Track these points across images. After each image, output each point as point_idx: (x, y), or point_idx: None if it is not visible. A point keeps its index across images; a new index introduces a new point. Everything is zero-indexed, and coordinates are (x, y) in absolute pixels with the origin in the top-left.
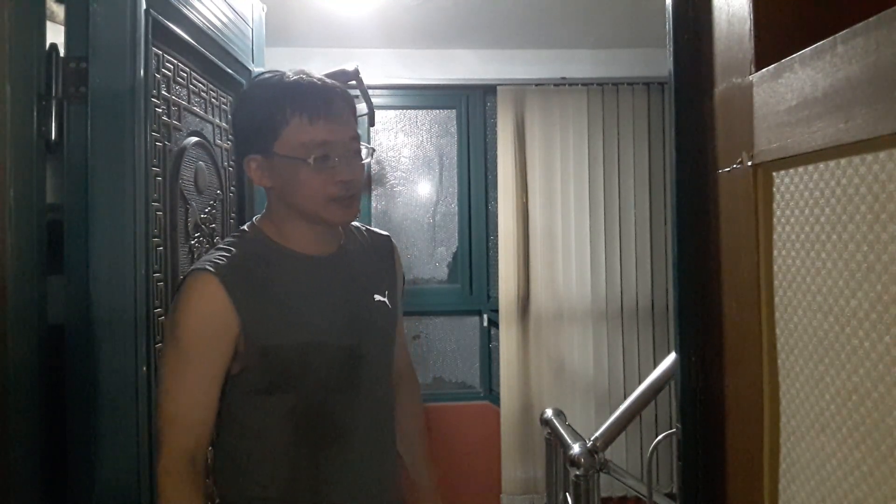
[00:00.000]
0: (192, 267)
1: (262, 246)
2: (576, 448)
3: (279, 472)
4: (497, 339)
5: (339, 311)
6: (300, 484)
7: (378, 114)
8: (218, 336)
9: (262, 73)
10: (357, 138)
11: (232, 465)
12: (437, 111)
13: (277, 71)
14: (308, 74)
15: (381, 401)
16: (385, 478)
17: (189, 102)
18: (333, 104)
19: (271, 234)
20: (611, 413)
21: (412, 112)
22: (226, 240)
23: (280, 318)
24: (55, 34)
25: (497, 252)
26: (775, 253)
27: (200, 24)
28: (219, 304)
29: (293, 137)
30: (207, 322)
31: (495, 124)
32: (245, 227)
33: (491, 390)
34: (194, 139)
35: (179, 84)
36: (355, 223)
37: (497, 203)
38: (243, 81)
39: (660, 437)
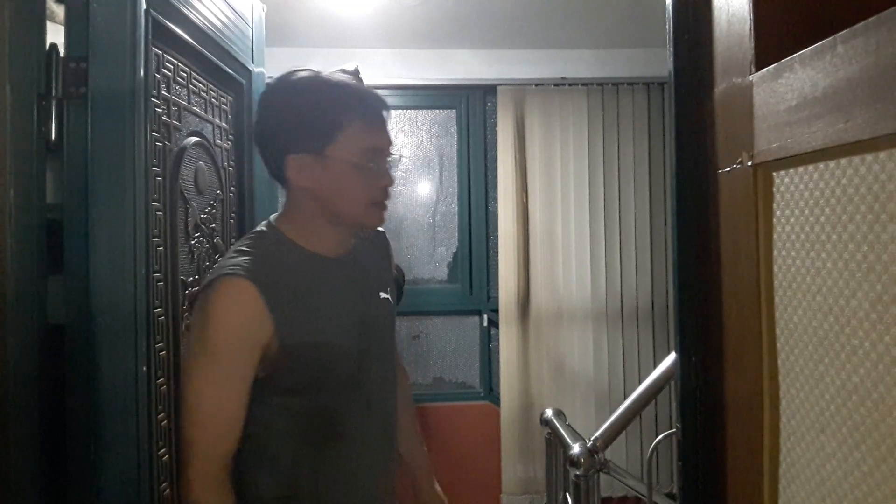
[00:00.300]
0: (222, 272)
1: (282, 248)
2: (576, 448)
3: (305, 471)
4: (497, 339)
5: (355, 311)
6: (325, 480)
7: None
8: (252, 342)
9: (296, 71)
10: (392, 145)
11: (257, 467)
12: (437, 111)
13: (307, 69)
14: (345, 75)
15: (390, 396)
16: (393, 469)
17: (189, 102)
18: (384, 111)
19: (291, 235)
20: (611, 413)
21: (412, 112)
22: (244, 241)
23: (308, 320)
24: (55, 34)
25: (497, 252)
26: (775, 253)
27: (200, 24)
28: (255, 310)
29: (352, 142)
30: (244, 329)
31: (495, 124)
32: (262, 227)
33: (491, 390)
34: (194, 139)
35: (179, 84)
36: None
37: (497, 203)
38: (243, 82)
39: (660, 437)
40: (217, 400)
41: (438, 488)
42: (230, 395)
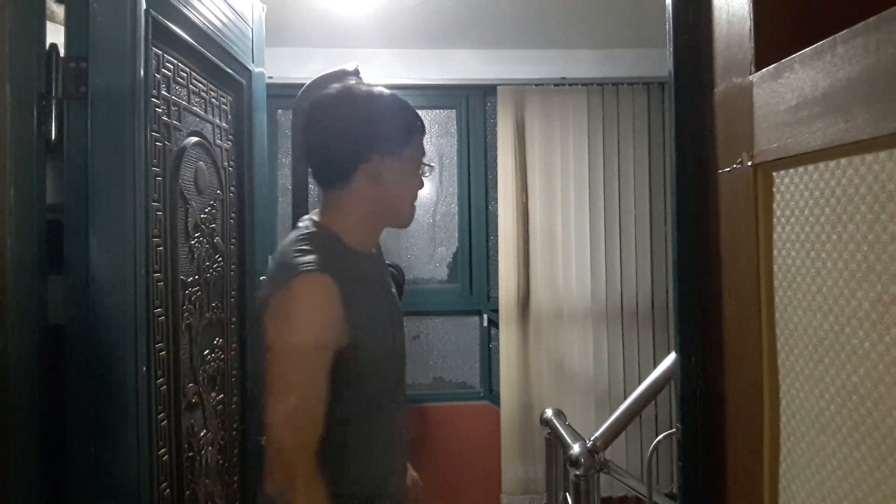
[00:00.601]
0: (300, 269)
1: (337, 246)
2: (576, 448)
3: (362, 454)
4: (497, 339)
5: (388, 303)
6: (378, 463)
7: None
8: (333, 335)
9: (347, 82)
10: None
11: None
12: (437, 111)
13: (354, 77)
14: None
15: (405, 381)
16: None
17: (189, 102)
18: None
19: (341, 233)
20: (611, 413)
21: None
22: (300, 240)
23: (366, 314)
24: (55, 34)
25: (497, 252)
26: (775, 253)
27: (200, 24)
28: (336, 304)
29: (416, 146)
30: (329, 322)
31: (495, 124)
32: (310, 227)
33: (491, 390)
34: (194, 139)
35: (179, 84)
36: None
37: (497, 203)
38: (243, 81)
39: (660, 437)
40: (309, 392)
41: (410, 467)
42: (319, 386)
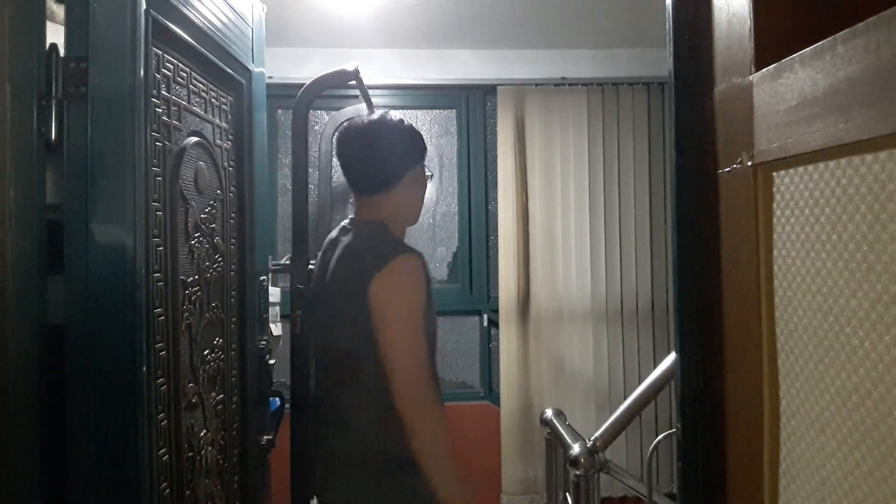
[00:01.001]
0: (400, 251)
1: (399, 239)
2: (576, 448)
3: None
4: (497, 339)
5: None
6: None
7: None
8: (428, 300)
9: (386, 111)
10: None
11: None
12: (437, 111)
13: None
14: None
15: None
16: None
17: (189, 102)
18: None
19: (392, 230)
20: (611, 413)
21: (412, 112)
22: (378, 235)
23: (429, 291)
24: (55, 34)
25: (497, 252)
26: (775, 253)
27: (200, 24)
28: (426, 276)
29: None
30: (427, 289)
31: (495, 124)
32: (366, 224)
33: (491, 390)
34: (194, 139)
35: (179, 84)
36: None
37: (497, 203)
38: (243, 81)
39: (660, 437)
40: (426, 343)
41: None
42: (426, 339)
